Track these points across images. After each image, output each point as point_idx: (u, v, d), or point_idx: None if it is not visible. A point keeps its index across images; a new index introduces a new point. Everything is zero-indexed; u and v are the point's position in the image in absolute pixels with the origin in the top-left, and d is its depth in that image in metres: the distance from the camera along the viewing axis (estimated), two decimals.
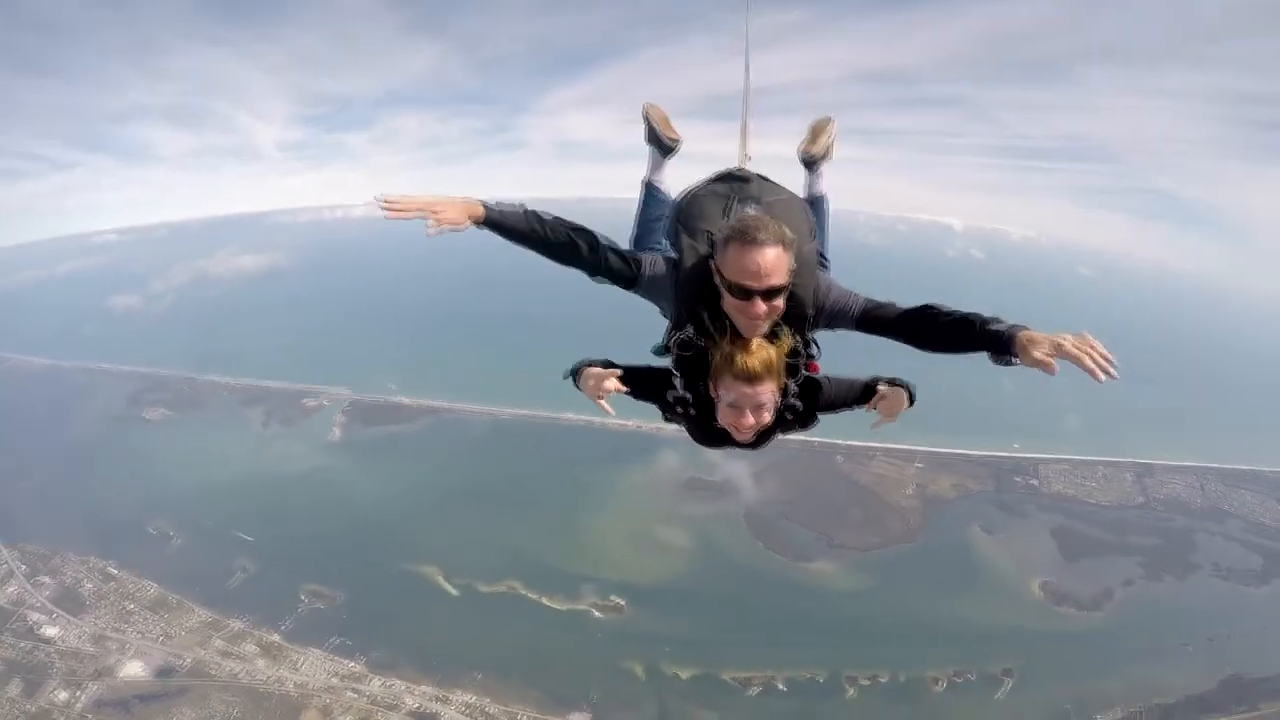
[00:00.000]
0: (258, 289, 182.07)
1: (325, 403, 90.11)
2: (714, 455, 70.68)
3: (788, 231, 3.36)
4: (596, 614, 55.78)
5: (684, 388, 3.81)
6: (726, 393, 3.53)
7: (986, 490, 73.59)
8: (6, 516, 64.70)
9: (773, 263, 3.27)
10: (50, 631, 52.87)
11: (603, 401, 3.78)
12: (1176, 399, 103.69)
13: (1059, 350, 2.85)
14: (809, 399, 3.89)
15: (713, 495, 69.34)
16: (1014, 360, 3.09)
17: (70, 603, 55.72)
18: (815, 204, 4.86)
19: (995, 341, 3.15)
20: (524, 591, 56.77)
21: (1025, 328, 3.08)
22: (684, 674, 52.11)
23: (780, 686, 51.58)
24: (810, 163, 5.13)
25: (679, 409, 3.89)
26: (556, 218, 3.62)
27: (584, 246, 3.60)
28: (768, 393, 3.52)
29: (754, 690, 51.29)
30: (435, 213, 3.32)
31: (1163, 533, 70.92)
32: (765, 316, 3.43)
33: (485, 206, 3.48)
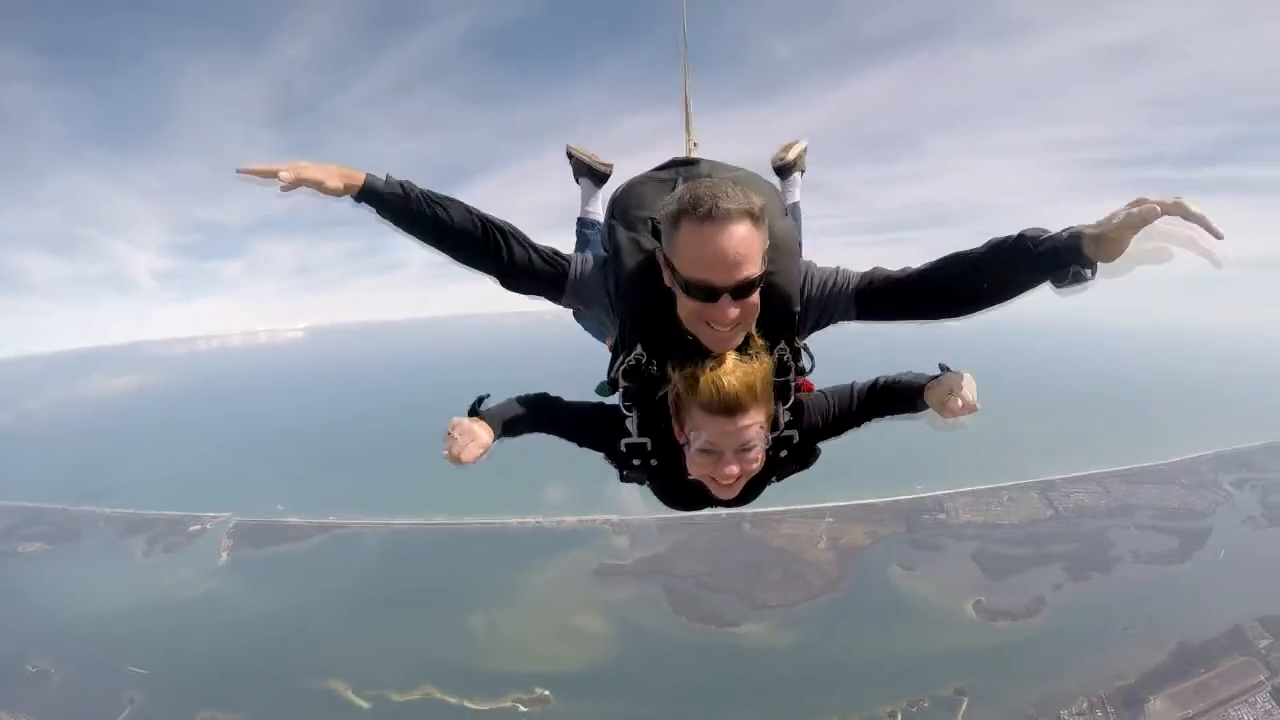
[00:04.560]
0: (133, 413, 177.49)
1: (209, 527, 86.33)
2: (622, 541, 73.04)
3: (756, 199, 2.34)
4: (523, 709, 53.65)
5: (639, 431, 2.86)
6: (698, 433, 2.54)
7: (898, 532, 75.61)
8: None
9: (742, 244, 2.29)
10: None
11: (461, 459, 2.70)
12: (1064, 424, 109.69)
13: (1145, 218, 1.99)
14: (804, 427, 2.94)
15: (626, 579, 68.94)
16: (1087, 273, 2.20)
17: None
18: (789, 212, 3.68)
19: (1054, 261, 2.23)
20: (441, 695, 54.36)
21: (1080, 227, 2.18)
22: None
23: None
24: (784, 169, 4.45)
25: (635, 460, 2.94)
26: (460, 202, 2.63)
27: (492, 238, 2.62)
28: (754, 426, 2.52)
29: None
30: (299, 170, 2.40)
31: (1078, 537, 73.65)
32: (737, 323, 2.43)
33: (369, 176, 2.54)
